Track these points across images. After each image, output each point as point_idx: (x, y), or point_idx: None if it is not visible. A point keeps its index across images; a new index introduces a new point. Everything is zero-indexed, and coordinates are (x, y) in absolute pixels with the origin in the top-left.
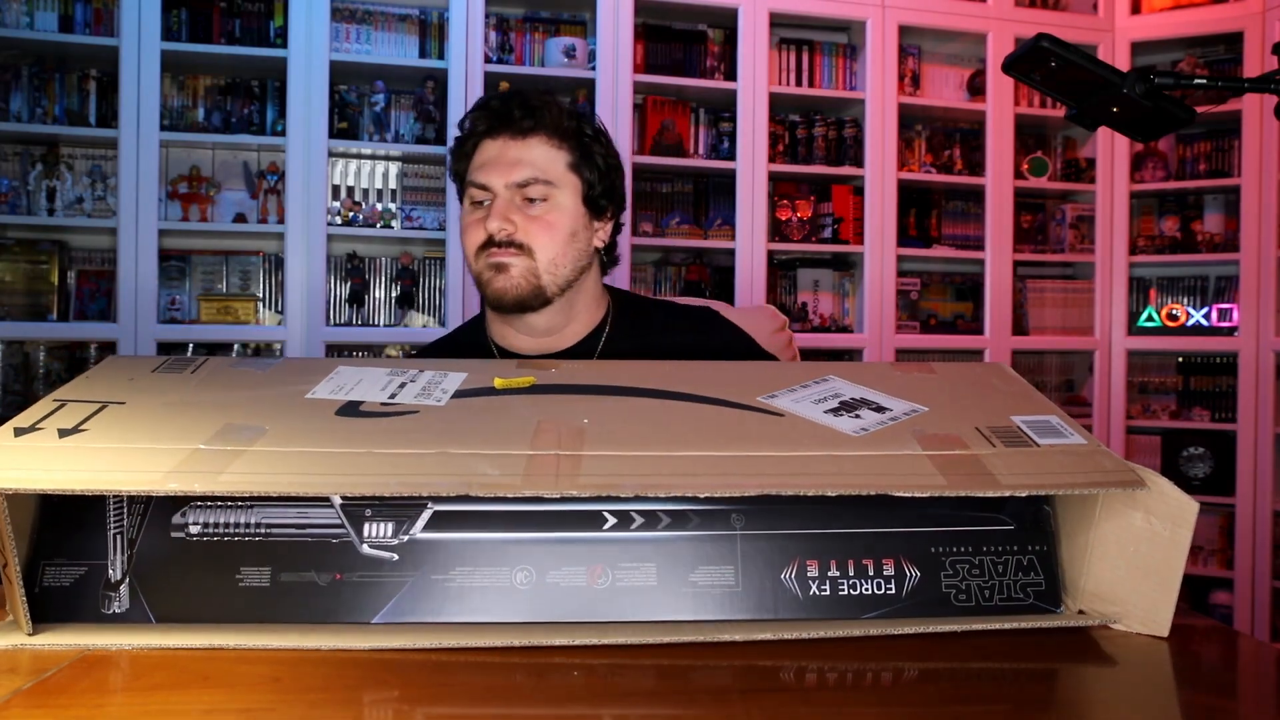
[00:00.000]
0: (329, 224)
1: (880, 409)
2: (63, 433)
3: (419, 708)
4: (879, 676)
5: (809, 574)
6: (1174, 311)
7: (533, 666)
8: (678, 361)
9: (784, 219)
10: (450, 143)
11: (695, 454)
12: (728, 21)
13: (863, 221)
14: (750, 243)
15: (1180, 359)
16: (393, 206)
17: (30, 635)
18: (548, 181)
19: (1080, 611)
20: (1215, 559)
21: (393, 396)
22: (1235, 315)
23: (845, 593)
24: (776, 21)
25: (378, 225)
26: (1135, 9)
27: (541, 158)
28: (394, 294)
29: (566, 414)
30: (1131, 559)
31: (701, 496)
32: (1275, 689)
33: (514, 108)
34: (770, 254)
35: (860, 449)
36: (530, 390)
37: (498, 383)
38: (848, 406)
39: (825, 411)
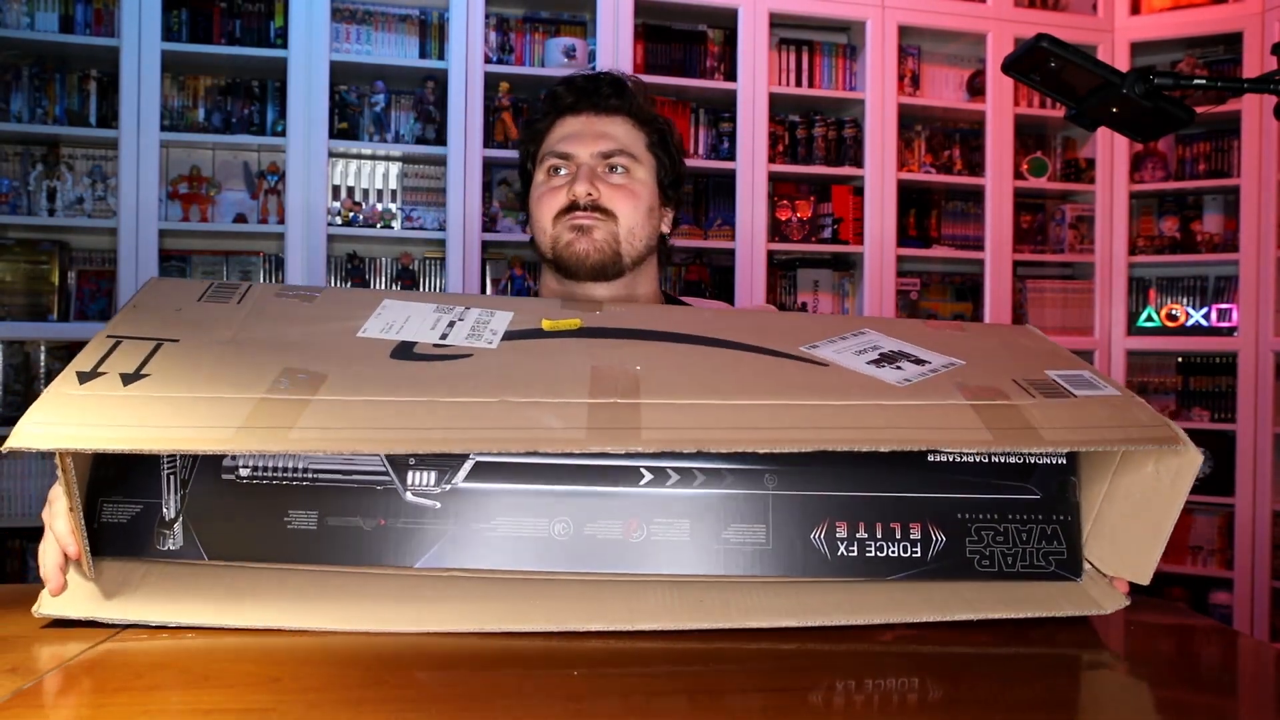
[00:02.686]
0: (329, 224)
1: (919, 361)
2: (125, 379)
3: (419, 708)
4: (884, 683)
5: (838, 535)
6: (1173, 311)
7: (540, 660)
8: (717, 310)
9: (784, 219)
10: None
11: (750, 403)
12: (728, 22)
13: (863, 221)
14: (750, 243)
15: (1180, 359)
16: (393, 207)
17: (91, 579)
18: (631, 155)
19: (1090, 564)
20: (1215, 559)
21: (443, 337)
22: (1235, 315)
23: (872, 554)
24: (776, 22)
25: (378, 225)
26: (1135, 9)
27: (624, 134)
28: None
29: (618, 360)
30: (1134, 506)
31: (762, 453)
32: (1275, 689)
33: (602, 85)
34: (770, 254)
35: (906, 399)
36: (578, 333)
37: (545, 324)
38: (888, 358)
39: (867, 363)
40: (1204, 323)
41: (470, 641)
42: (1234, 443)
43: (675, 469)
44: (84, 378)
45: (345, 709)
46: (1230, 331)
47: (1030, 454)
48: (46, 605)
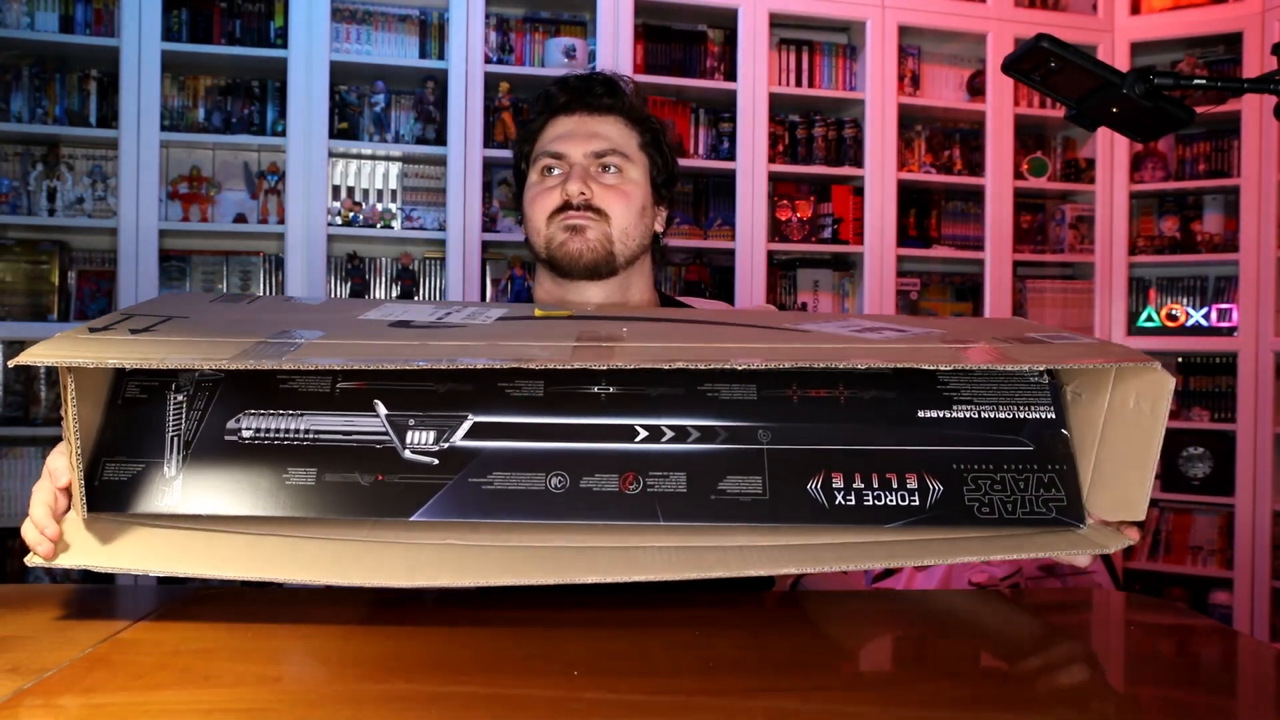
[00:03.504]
0: (329, 224)
1: (901, 330)
2: (135, 331)
3: (419, 708)
4: (886, 684)
5: (834, 485)
6: (1173, 311)
7: (540, 660)
8: (709, 311)
9: (784, 219)
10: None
11: (731, 345)
12: (728, 22)
13: (863, 222)
14: (750, 243)
15: (1180, 359)
16: (393, 207)
17: (85, 518)
18: (624, 154)
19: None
20: (1215, 559)
21: (440, 319)
22: (1235, 315)
23: (870, 503)
24: (776, 22)
25: (378, 225)
26: (1135, 9)
27: (617, 134)
28: (394, 294)
29: (605, 326)
30: (1125, 444)
31: (739, 368)
32: (1275, 689)
33: (595, 84)
34: (770, 254)
35: (887, 343)
36: (568, 317)
37: (537, 312)
38: (871, 329)
39: (850, 332)
40: (1204, 323)
41: (470, 641)
42: (1234, 443)
43: (669, 426)
44: (95, 330)
45: (345, 709)
46: (1230, 331)
47: (1018, 409)
48: (38, 556)
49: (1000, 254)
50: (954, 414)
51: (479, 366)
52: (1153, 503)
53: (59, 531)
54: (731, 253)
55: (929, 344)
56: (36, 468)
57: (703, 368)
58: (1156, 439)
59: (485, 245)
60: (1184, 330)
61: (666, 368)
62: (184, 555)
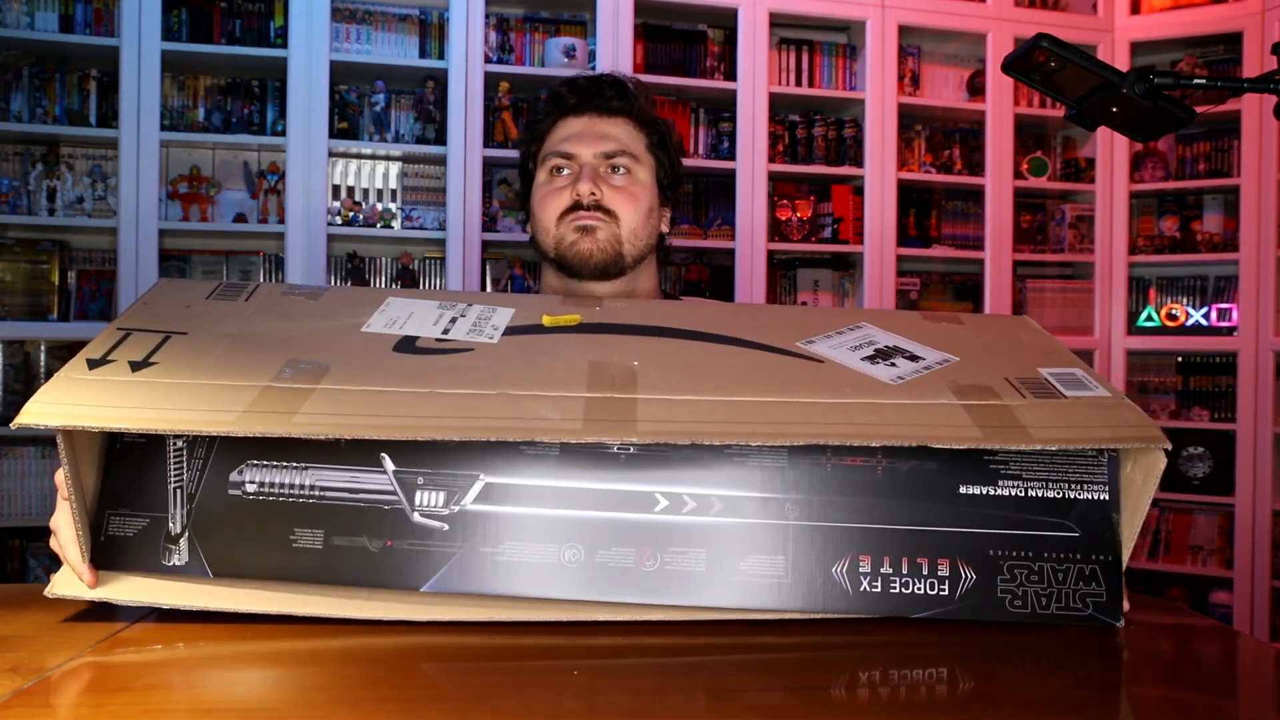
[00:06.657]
0: (329, 224)
1: (914, 358)
2: (134, 366)
3: (419, 707)
4: (889, 682)
5: (861, 569)
6: (1173, 311)
7: (542, 659)
8: (717, 303)
9: (784, 219)
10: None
11: (744, 399)
12: (728, 21)
13: (862, 221)
14: (750, 243)
15: (1180, 359)
16: (393, 206)
17: (86, 563)
18: (632, 156)
19: None
20: (1215, 559)
21: (445, 332)
22: (1235, 315)
23: (896, 590)
24: (776, 21)
25: (378, 225)
26: (1135, 9)
27: (626, 135)
28: None
29: (617, 355)
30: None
31: (754, 445)
32: (1275, 689)
33: (605, 86)
34: (770, 254)
35: (898, 397)
36: (578, 329)
37: (546, 320)
38: (883, 354)
39: (862, 359)
40: (1204, 322)
41: (471, 641)
42: (1234, 443)
43: (691, 495)
44: (93, 364)
45: (345, 709)
46: (1230, 331)
47: (1069, 488)
48: (60, 587)
49: (1000, 254)
50: (999, 491)
51: (490, 439)
52: (1154, 502)
53: (94, 579)
54: (731, 252)
55: (941, 400)
56: (36, 468)
57: (717, 444)
58: (1145, 509)
59: (485, 245)
60: (1184, 330)
61: (683, 443)
62: (200, 592)
